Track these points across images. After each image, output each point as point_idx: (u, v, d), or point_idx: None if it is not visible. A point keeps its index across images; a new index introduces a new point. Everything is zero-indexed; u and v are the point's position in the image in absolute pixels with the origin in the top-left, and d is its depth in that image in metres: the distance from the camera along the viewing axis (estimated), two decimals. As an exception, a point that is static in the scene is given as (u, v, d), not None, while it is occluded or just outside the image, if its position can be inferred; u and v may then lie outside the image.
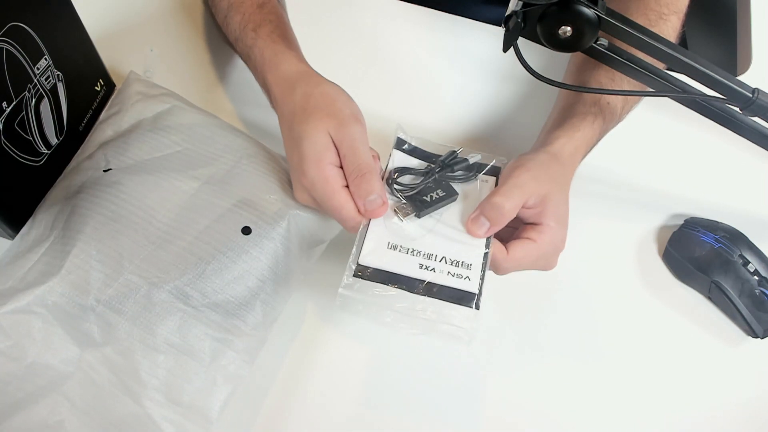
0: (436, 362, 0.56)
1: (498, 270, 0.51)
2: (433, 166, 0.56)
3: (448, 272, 0.48)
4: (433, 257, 0.49)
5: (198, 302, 0.48)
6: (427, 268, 0.48)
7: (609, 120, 0.58)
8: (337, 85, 0.54)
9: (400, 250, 0.49)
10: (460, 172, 0.56)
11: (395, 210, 0.51)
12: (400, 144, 0.57)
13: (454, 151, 0.57)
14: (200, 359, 0.47)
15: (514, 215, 0.49)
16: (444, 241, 0.50)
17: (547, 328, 0.58)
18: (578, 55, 0.55)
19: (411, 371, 0.55)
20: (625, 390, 0.56)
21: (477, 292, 0.47)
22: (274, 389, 0.53)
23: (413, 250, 0.49)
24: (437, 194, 0.55)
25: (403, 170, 0.56)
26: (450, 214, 0.52)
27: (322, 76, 0.55)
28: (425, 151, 0.58)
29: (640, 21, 0.55)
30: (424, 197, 0.54)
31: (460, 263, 0.49)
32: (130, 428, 0.45)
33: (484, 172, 0.56)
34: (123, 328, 0.46)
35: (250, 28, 0.59)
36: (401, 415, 0.53)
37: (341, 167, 0.50)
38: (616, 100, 0.59)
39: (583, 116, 0.56)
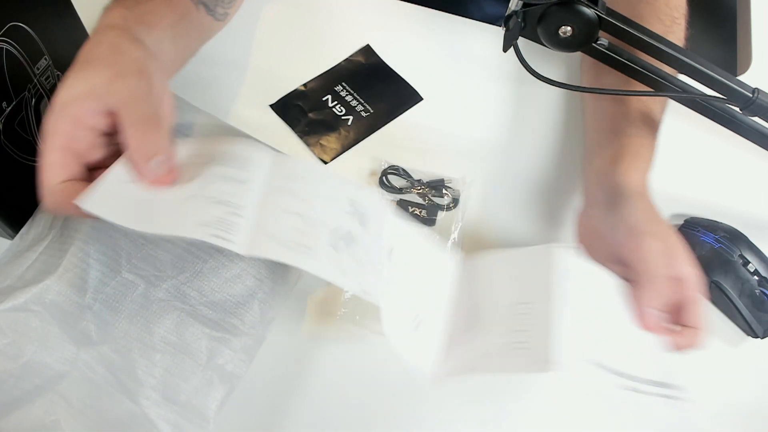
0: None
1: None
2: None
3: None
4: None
5: (195, 301, 0.48)
6: None
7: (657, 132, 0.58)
8: (142, 44, 0.47)
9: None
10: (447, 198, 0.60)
11: None
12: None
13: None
14: (197, 358, 0.47)
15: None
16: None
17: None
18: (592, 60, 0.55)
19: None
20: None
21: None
22: (272, 389, 0.53)
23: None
24: (419, 212, 0.57)
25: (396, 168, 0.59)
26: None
27: (135, 35, 0.47)
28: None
29: (655, 26, 0.55)
30: (408, 207, 0.58)
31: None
32: (127, 427, 0.44)
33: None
34: (120, 326, 0.46)
35: None
36: (401, 415, 0.53)
37: (106, 134, 0.44)
38: (660, 112, 0.59)
39: (642, 140, 0.56)
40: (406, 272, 0.48)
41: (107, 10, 0.50)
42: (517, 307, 0.47)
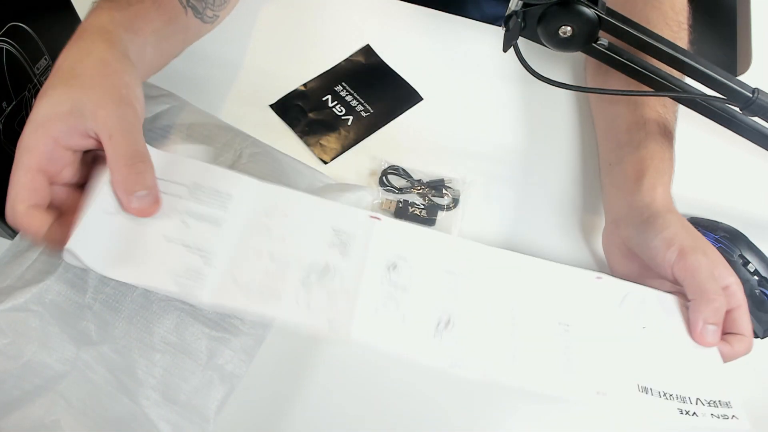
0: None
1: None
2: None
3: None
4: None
5: (195, 300, 0.48)
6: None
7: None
8: (130, 63, 0.46)
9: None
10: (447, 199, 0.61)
11: (380, 203, 0.52)
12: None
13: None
14: (197, 358, 0.47)
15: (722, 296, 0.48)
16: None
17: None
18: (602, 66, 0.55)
19: (412, 372, 0.55)
20: (624, 391, 0.56)
21: None
22: (273, 389, 0.53)
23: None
24: (419, 212, 0.59)
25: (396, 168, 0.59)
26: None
27: (122, 47, 0.46)
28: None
29: (664, 31, 0.55)
30: (408, 207, 0.60)
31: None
32: (127, 427, 0.44)
33: None
34: (120, 326, 0.46)
35: None
36: (402, 416, 0.53)
37: (84, 152, 0.44)
38: (673, 121, 0.59)
39: (662, 154, 0.56)
40: (424, 278, 0.47)
41: (97, 7, 0.49)
42: (557, 327, 0.47)
